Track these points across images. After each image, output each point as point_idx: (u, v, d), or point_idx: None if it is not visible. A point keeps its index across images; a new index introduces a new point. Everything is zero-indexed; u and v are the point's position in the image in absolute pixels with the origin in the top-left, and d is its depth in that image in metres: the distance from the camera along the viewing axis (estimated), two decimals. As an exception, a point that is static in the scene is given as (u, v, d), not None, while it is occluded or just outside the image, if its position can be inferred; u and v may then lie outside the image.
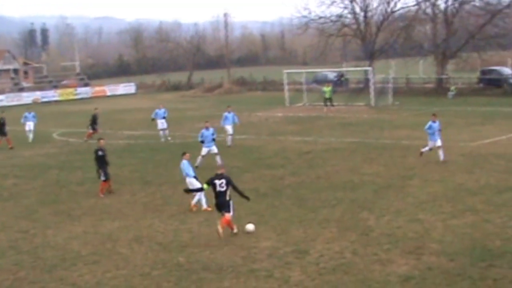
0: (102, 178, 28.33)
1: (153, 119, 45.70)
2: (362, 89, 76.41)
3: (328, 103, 60.59)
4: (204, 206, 24.44)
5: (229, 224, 21.13)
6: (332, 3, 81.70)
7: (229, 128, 40.75)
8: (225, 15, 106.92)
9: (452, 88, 71.28)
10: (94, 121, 46.53)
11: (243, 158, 35.81)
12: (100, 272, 18.50)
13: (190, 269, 18.28)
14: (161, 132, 44.96)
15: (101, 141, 29.36)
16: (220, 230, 20.70)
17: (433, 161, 32.13)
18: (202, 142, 33.54)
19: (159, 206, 25.84)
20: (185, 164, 25.14)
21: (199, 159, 32.79)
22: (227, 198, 21.07)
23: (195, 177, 24.97)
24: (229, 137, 40.63)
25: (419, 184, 27.32)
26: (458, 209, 22.96)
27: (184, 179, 25.21)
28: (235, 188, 21.39)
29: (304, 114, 58.33)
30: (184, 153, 25.64)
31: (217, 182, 21.12)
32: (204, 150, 33.36)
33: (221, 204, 21.12)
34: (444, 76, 77.07)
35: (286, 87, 70.02)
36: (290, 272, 17.66)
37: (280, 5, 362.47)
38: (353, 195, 25.78)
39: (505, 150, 34.56)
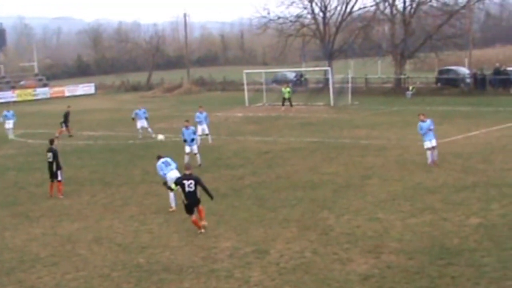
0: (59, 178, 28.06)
1: (133, 119, 46.60)
2: (321, 89, 76.68)
3: (287, 103, 60.95)
4: (172, 206, 24.31)
5: (197, 224, 21.20)
6: (291, 3, 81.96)
7: (204, 128, 40.90)
8: (185, 15, 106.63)
9: (411, 87, 71.78)
10: (66, 119, 48.44)
11: (203, 158, 35.70)
12: (60, 274, 18.32)
13: (150, 270, 18.18)
14: (140, 130, 45.53)
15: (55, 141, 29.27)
16: (204, 223, 21.37)
17: (392, 160, 32.33)
18: (185, 141, 33.68)
19: (119, 207, 25.68)
20: (158, 166, 24.88)
21: (186, 158, 32.83)
22: (198, 197, 21.22)
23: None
24: (209, 136, 41.01)
25: (378, 183, 27.45)
26: (417, 207, 23.12)
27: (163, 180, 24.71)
28: (204, 188, 21.39)
29: (263, 114, 58.36)
30: (158, 156, 25.28)
31: (186, 182, 21.11)
32: (187, 149, 33.52)
33: (193, 204, 21.16)
34: (402, 76, 77.57)
35: (245, 87, 69.93)
36: (250, 272, 17.64)
37: (239, 5, 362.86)
38: (313, 195, 25.83)
39: (462, 149, 34.87)
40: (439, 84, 75.85)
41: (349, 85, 66.98)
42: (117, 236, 21.62)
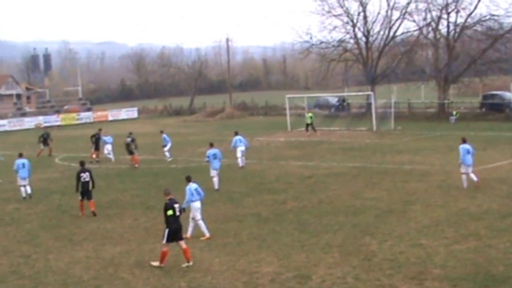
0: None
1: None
2: (364, 113, 76.48)
3: (310, 129, 61.50)
4: (206, 234, 24.29)
5: (165, 257, 21.10)
6: (334, 28, 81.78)
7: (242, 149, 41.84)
8: (227, 40, 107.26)
9: (454, 112, 71.36)
10: (96, 142, 49.11)
11: (245, 182, 35.79)
12: (102, 297, 18.45)
13: (192, 294, 18.22)
14: (106, 156, 48.20)
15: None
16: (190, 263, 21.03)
17: (435, 186, 32.11)
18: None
19: (161, 231, 25.63)
20: (189, 189, 24.84)
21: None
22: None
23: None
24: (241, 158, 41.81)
25: (421, 209, 27.28)
26: (461, 234, 22.92)
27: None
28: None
29: (306, 138, 58.37)
30: (188, 178, 25.34)
31: (176, 206, 21.33)
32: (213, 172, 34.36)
33: (179, 229, 21.20)
34: (446, 101, 77.08)
35: (288, 112, 70.09)
36: (292, 297, 17.60)
37: (281, 30, 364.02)
38: (355, 220, 25.75)
39: (507, 175, 34.54)
40: (483, 109, 75.34)
41: (392, 109, 66.83)
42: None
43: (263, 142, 55.95)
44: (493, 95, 77.32)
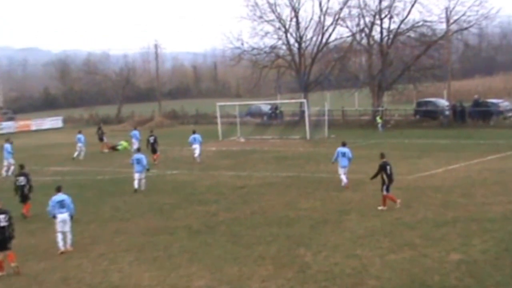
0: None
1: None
2: (297, 121, 76.97)
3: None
4: (61, 248, 24.51)
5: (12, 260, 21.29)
6: (266, 34, 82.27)
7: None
8: (156, 46, 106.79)
9: (378, 118, 71.50)
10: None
11: (175, 194, 35.65)
12: (25, 316, 18.14)
13: (120, 311, 18.06)
14: (5, 168, 47.10)
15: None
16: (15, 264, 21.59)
17: (370, 195, 32.41)
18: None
19: (88, 245, 25.50)
20: (53, 201, 24.91)
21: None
22: (7, 234, 21.60)
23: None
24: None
25: (356, 219, 27.51)
26: (396, 243, 23.17)
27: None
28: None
29: (238, 148, 58.43)
30: (58, 188, 25.55)
31: (1, 217, 21.26)
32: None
33: (3, 241, 21.18)
34: (380, 108, 77.92)
35: (219, 120, 70.05)
36: (225, 312, 17.56)
37: (212, 36, 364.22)
38: (289, 231, 25.83)
39: (442, 183, 35.07)
40: (417, 116, 76.33)
41: (326, 117, 67.32)
42: (85, 276, 21.46)
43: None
44: (427, 102, 78.44)
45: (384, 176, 29.37)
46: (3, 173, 46.57)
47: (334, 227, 26.28)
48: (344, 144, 35.95)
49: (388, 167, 29.52)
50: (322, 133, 64.84)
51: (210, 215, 29.82)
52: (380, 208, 29.03)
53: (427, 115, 74.87)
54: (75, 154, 54.44)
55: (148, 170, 37.87)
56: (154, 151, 49.49)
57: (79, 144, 55.02)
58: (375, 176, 29.96)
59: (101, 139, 61.36)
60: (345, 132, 67.67)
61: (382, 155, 30.28)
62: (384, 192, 29.33)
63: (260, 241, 24.57)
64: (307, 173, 41.18)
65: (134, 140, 55.36)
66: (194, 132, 49.89)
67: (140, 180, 36.92)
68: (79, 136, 55.41)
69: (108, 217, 30.64)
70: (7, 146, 47.11)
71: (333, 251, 22.62)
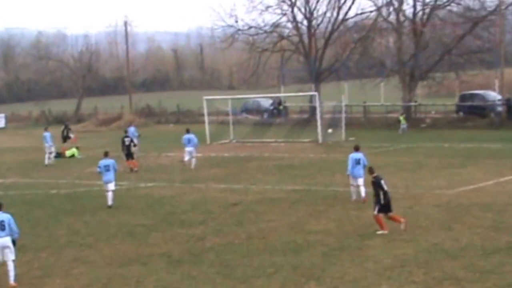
0: None
1: None
2: (306, 120, 77.00)
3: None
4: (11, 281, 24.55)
5: None
6: (266, 8, 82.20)
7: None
8: (125, 23, 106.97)
9: (401, 118, 71.07)
10: None
11: (150, 212, 35.64)
12: None
13: None
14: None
15: None
16: None
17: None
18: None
19: (37, 279, 25.48)
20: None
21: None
22: None
23: None
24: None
25: (382, 245, 27.47)
26: (433, 277, 23.15)
27: None
28: None
29: (230, 154, 58.48)
30: None
31: None
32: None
33: None
34: (412, 103, 77.83)
35: (206, 119, 70.01)
36: None
37: (197, 11, 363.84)
38: (296, 260, 25.81)
39: (493, 199, 35.01)
40: (461, 114, 76.33)
41: (343, 115, 67.31)
42: (35, 318, 21.48)
43: (174, 159, 55.86)
44: (473, 95, 78.39)
45: (381, 194, 29.43)
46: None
47: (353, 255, 26.25)
48: (357, 149, 36.26)
49: (382, 182, 29.72)
50: (338, 135, 64.86)
51: (195, 240, 29.81)
52: (379, 232, 29.06)
53: (473, 112, 74.77)
54: (46, 159, 55.88)
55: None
56: (129, 155, 50.53)
57: (47, 145, 56.56)
58: (377, 197, 29.68)
59: (65, 140, 63.90)
60: (367, 133, 67.79)
61: (371, 170, 30.82)
62: (375, 213, 29.47)
63: (258, 273, 24.55)
64: (319, 186, 41.19)
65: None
66: (188, 131, 51.79)
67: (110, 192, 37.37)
68: (46, 134, 57.05)
69: (64, 242, 30.60)
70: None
71: (352, 287, 22.61)
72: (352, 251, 26.86)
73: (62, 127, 65.34)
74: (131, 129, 57.90)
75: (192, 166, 50.60)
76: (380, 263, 25.01)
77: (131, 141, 50.80)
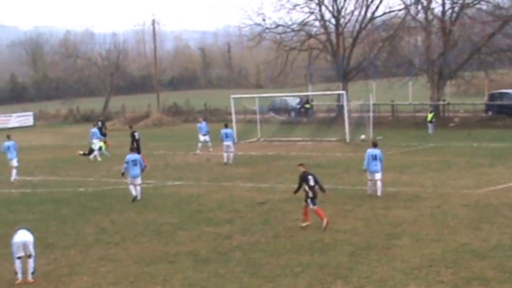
0: None
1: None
2: (333, 119, 76.88)
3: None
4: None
5: None
6: (294, 7, 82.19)
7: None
8: (153, 22, 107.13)
9: (429, 116, 70.58)
10: None
11: (177, 211, 35.67)
12: None
13: None
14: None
15: None
16: None
17: (427, 214, 32.30)
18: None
19: (65, 276, 25.56)
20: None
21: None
22: None
23: None
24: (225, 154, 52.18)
25: (410, 245, 27.41)
26: (462, 277, 23.06)
27: None
28: None
29: (258, 152, 58.46)
30: None
31: None
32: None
33: None
34: (441, 102, 77.59)
35: (233, 117, 69.99)
36: None
37: (225, 10, 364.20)
38: (323, 260, 25.78)
39: (522, 199, 34.90)
40: (490, 113, 75.99)
41: (371, 114, 67.15)
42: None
43: (201, 158, 55.88)
44: (502, 94, 78.00)
45: (306, 188, 31.14)
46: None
47: (381, 255, 26.20)
48: (375, 145, 38.09)
49: (310, 178, 31.32)
50: (365, 134, 64.71)
51: (222, 239, 29.83)
52: (303, 224, 30.64)
53: (502, 111, 74.41)
54: (98, 156, 57.85)
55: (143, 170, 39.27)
56: (139, 151, 49.62)
57: (95, 140, 58.37)
58: (297, 190, 31.84)
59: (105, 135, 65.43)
60: (395, 132, 67.64)
61: (302, 165, 32.60)
62: (311, 206, 30.91)
63: (285, 272, 24.54)
64: (346, 185, 41.13)
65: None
66: (226, 126, 53.95)
67: (136, 186, 37.89)
68: (94, 130, 59.54)
69: (92, 240, 30.68)
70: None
71: (379, 286, 22.56)
72: (379, 250, 26.80)
73: (100, 124, 66.71)
74: (203, 124, 59.96)
75: (230, 160, 52.05)
76: (407, 262, 24.94)
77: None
